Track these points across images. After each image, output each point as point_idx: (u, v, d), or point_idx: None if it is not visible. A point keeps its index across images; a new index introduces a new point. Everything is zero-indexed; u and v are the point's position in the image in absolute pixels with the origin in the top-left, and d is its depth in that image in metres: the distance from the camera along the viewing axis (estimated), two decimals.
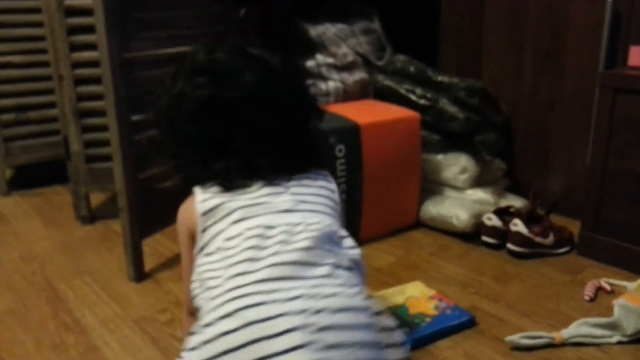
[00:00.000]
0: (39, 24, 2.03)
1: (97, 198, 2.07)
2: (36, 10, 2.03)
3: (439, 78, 1.82)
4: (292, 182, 0.86)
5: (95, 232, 1.85)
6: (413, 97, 1.81)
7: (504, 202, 1.78)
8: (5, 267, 1.61)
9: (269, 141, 0.86)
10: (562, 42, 1.77)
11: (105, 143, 1.80)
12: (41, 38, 2.03)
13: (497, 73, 1.95)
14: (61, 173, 2.01)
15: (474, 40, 2.00)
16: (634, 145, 1.43)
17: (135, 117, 1.46)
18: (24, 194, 2.22)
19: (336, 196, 0.91)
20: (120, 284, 1.50)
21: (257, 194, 0.83)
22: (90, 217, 1.91)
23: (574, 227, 1.65)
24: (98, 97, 1.74)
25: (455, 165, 1.77)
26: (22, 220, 1.96)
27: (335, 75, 1.89)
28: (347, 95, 1.91)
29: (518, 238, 1.57)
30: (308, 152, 0.92)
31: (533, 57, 1.85)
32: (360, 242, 1.67)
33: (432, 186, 1.82)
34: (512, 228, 1.57)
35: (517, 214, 1.63)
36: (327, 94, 1.89)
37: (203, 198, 0.84)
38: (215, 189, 0.85)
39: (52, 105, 2.10)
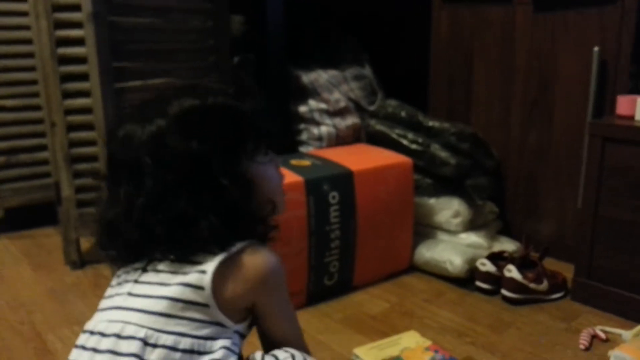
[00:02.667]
0: (31, 69, 2.05)
1: (87, 242, 2.05)
2: (29, 55, 2.04)
3: (430, 123, 1.84)
4: (151, 268, 0.77)
5: (85, 277, 1.82)
6: (405, 142, 1.83)
7: (497, 246, 1.79)
8: None
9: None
10: (550, 90, 1.81)
11: (97, 188, 1.80)
12: (33, 82, 2.04)
13: (486, 120, 1.98)
14: (52, 215, 2.00)
15: (464, 87, 2.04)
16: (623, 194, 1.45)
17: None
18: (13, 236, 2.19)
19: (203, 295, 0.73)
20: None
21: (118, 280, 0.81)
22: (80, 262, 1.89)
23: (567, 270, 1.65)
24: (90, 143, 1.75)
25: (448, 210, 1.77)
26: (10, 265, 1.93)
27: (327, 120, 1.91)
28: (339, 139, 1.92)
29: (512, 284, 1.57)
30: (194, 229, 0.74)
31: (521, 105, 1.89)
32: (354, 287, 1.67)
33: (425, 230, 1.83)
34: (506, 274, 1.57)
35: (511, 259, 1.63)
36: (319, 138, 1.91)
37: None
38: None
39: (43, 148, 2.10)
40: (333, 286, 1.64)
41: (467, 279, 1.68)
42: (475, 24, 1.98)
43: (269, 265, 0.78)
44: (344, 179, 1.61)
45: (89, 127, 1.73)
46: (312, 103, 1.91)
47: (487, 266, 1.62)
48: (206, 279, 0.73)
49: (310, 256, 1.57)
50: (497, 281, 1.61)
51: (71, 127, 1.75)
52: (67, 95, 1.73)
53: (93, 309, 1.60)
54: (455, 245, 1.74)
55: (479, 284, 1.64)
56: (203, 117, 0.76)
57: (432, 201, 1.80)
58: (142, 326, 0.72)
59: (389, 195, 1.69)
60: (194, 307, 0.73)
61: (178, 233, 0.74)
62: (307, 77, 1.93)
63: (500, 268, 1.61)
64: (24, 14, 2.01)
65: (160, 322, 0.72)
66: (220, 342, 0.74)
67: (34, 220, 2.26)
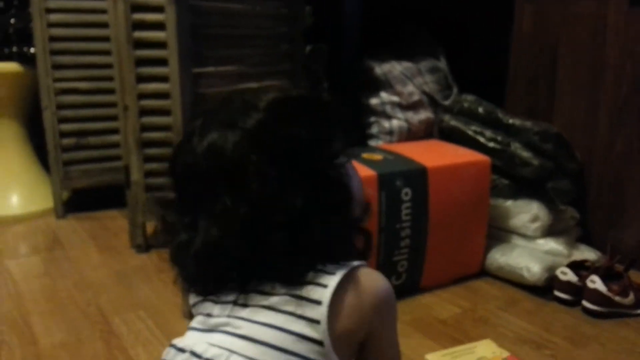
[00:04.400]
0: (106, 52, 2.06)
1: (152, 225, 2.06)
2: (104, 39, 2.05)
3: (510, 120, 1.75)
4: (243, 302, 0.65)
5: (150, 262, 1.83)
6: (482, 140, 1.74)
7: (577, 254, 1.68)
8: (61, 296, 1.60)
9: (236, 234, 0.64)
10: None
11: (166, 173, 1.79)
12: (108, 66, 2.05)
13: (570, 119, 1.86)
14: (117, 198, 2.02)
15: (546, 85, 1.92)
16: None
17: None
18: (80, 217, 2.23)
19: (313, 348, 0.62)
20: (175, 322, 1.46)
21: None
22: (146, 246, 1.89)
23: None
24: (162, 128, 1.74)
25: (526, 213, 1.68)
26: (77, 246, 1.96)
27: (399, 114, 1.84)
28: (411, 134, 1.85)
29: (596, 296, 1.46)
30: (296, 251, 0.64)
31: (610, 106, 1.76)
32: (422, 289, 1.61)
33: (499, 233, 1.74)
34: (590, 285, 1.47)
35: (594, 269, 1.53)
36: (390, 132, 1.84)
37: None
38: None
39: (112, 131, 2.12)
40: (400, 286, 1.57)
41: (544, 288, 1.58)
42: (562, 19, 1.86)
43: (387, 289, 0.67)
44: (417, 176, 1.54)
45: (161, 112, 1.72)
46: (384, 95, 1.85)
47: (569, 275, 1.51)
48: (322, 310, 0.61)
49: (379, 254, 1.52)
50: (578, 292, 1.51)
51: (143, 112, 1.75)
52: (140, 79, 1.72)
53: (158, 293, 1.57)
54: (532, 251, 1.64)
55: (557, 293, 1.54)
56: (295, 106, 0.69)
57: (509, 203, 1.71)
58: (248, 357, 0.61)
59: (463, 195, 1.61)
60: (306, 343, 0.61)
61: (291, 241, 0.63)
62: (381, 69, 1.87)
63: (582, 278, 1.51)
64: None
65: (269, 355, 0.61)
66: None
67: (99, 202, 2.29)
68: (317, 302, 0.62)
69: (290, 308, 0.62)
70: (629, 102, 1.72)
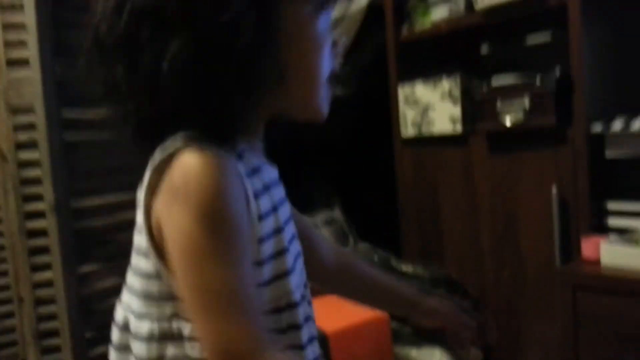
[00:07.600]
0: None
1: None
2: None
3: (404, 268, 1.85)
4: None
5: None
6: None
7: None
8: None
9: None
10: (517, 227, 1.83)
11: None
12: (2, 260, 1.98)
13: (459, 256, 1.99)
14: None
15: (433, 225, 2.06)
16: (602, 345, 1.42)
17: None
18: None
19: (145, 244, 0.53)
20: None
21: None
22: None
23: None
24: (58, 316, 1.70)
25: None
26: None
27: None
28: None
29: None
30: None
31: (490, 240, 1.91)
32: None
33: None
34: None
35: None
36: None
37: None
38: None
39: (10, 330, 1.99)
40: None
41: None
42: (436, 164, 2.04)
43: (202, 170, 0.49)
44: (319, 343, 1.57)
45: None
46: None
47: None
48: (140, 197, 0.53)
49: None
50: None
51: (39, 301, 1.72)
52: (35, 268, 1.70)
53: None
54: None
55: None
56: None
57: (414, 352, 1.76)
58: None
59: (366, 353, 1.65)
60: (138, 251, 0.56)
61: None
62: None
63: None
64: None
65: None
66: (168, 308, 0.53)
67: None
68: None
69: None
70: (506, 234, 1.86)
